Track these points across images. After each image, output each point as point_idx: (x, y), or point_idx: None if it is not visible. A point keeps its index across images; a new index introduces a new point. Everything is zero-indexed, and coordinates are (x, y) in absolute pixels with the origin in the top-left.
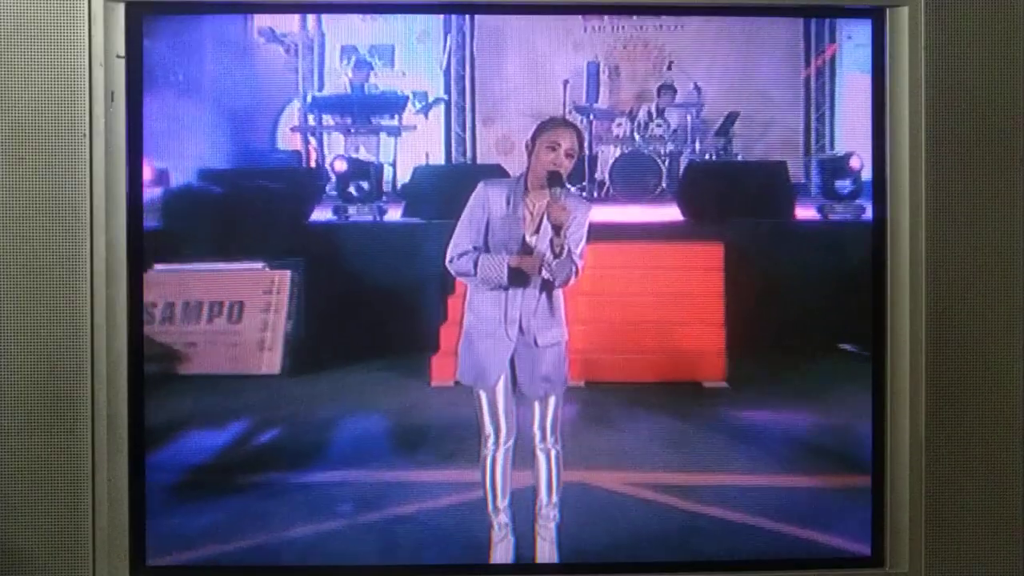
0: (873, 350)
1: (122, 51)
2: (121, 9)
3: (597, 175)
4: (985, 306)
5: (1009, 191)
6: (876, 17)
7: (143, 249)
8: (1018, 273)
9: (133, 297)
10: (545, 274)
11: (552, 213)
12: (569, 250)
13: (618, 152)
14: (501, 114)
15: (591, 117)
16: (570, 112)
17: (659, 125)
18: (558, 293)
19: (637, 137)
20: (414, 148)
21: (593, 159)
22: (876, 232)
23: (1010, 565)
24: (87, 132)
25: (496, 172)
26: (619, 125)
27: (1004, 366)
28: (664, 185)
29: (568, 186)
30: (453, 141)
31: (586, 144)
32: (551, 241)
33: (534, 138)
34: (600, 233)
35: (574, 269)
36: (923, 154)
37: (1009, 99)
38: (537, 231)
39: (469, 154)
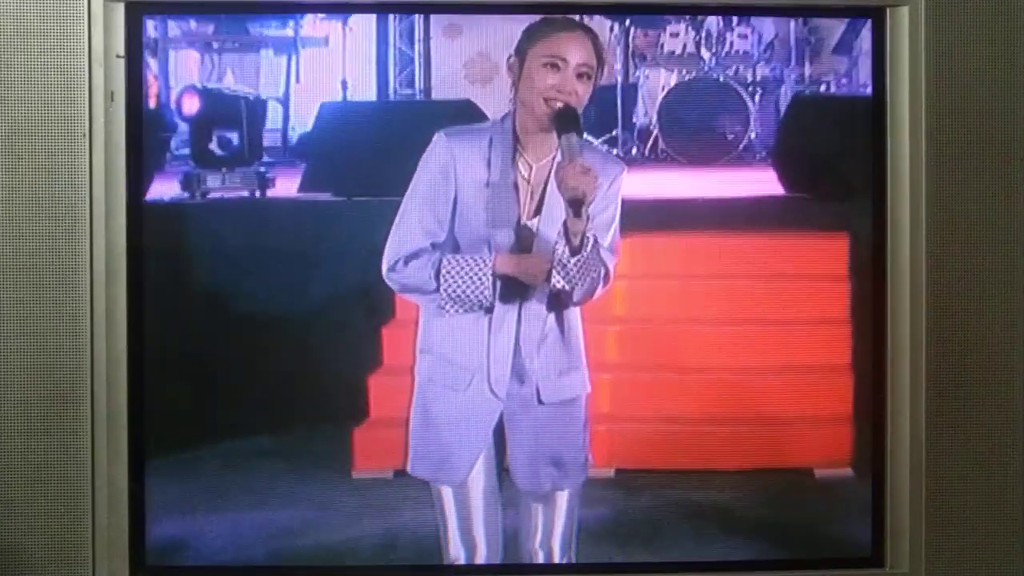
0: (873, 350)
1: (122, 51)
2: (121, 9)
3: (638, 117)
4: (985, 306)
5: (1009, 191)
6: (876, 17)
7: (143, 249)
8: (1019, 273)
9: (133, 297)
10: (557, 281)
11: (566, 179)
12: (595, 241)
13: (674, 79)
14: (474, 17)
15: (626, 22)
16: (588, 13)
17: (742, 35)
18: (575, 315)
19: (706, 54)
20: (322, 74)
21: (630, 90)
22: (876, 232)
23: (1010, 565)
24: (87, 132)
25: (465, 113)
26: (675, 35)
27: (1004, 366)
28: (753, 136)
29: (588, 137)
30: (392, 61)
31: (613, 59)
32: (565, 226)
33: (522, 50)
34: (642, 217)
35: (603, 273)
36: (923, 154)
37: (1009, 99)
38: (539, 211)
39: (420, 83)
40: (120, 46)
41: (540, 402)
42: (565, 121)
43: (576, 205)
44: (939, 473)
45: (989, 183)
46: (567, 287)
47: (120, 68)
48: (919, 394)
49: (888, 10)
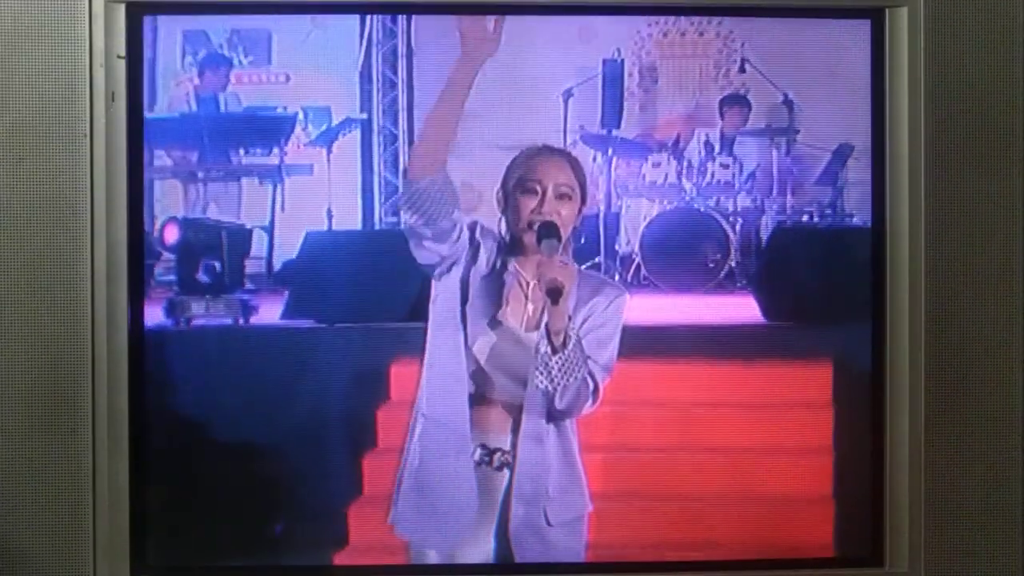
0: (873, 350)
1: (122, 51)
2: (121, 9)
3: (620, 245)
4: (985, 306)
5: (1009, 191)
6: (876, 17)
7: (143, 249)
8: (1018, 273)
9: (133, 297)
10: (540, 381)
11: (545, 271)
12: (578, 341)
13: (655, 209)
14: (461, 147)
15: (609, 151)
16: (573, 144)
17: (724, 164)
18: (569, 429)
19: (687, 184)
20: (306, 202)
21: (612, 219)
22: (876, 232)
23: (1009, 565)
24: (87, 132)
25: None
26: (657, 164)
27: (1004, 366)
28: (733, 264)
29: (569, 261)
30: (377, 190)
31: (595, 189)
32: (546, 327)
33: (505, 182)
34: (625, 342)
35: (592, 388)
36: (923, 154)
37: (1009, 99)
38: (532, 315)
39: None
40: (121, 47)
41: (548, 523)
42: (544, 232)
43: (554, 295)
44: (939, 473)
45: (989, 183)
46: (549, 387)
47: (121, 69)
48: (919, 394)
49: (887, 11)
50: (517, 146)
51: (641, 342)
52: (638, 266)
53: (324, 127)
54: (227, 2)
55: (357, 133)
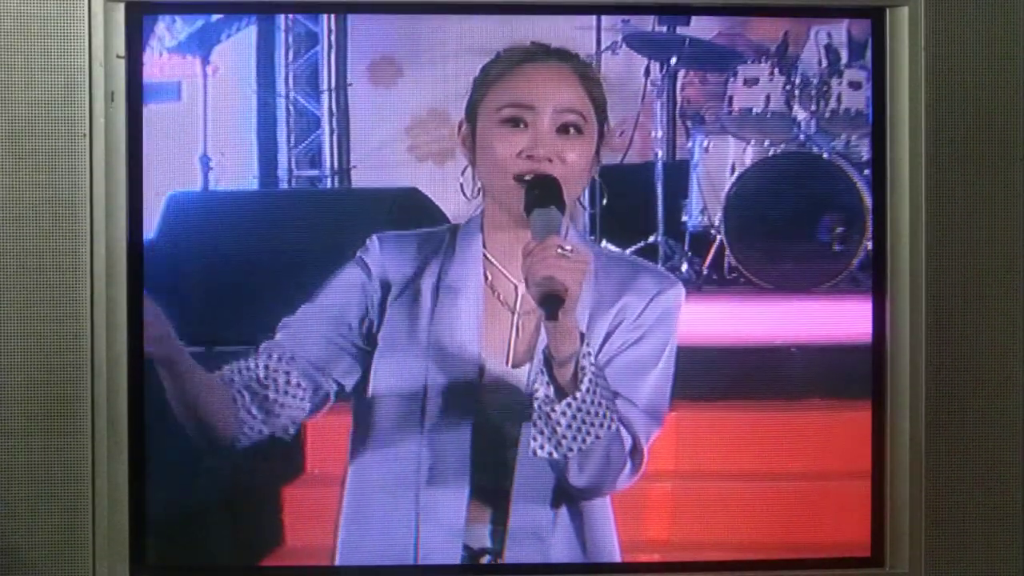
0: (873, 350)
1: (122, 51)
2: (121, 9)
3: (691, 215)
4: (985, 306)
5: (1010, 191)
6: (876, 17)
7: (143, 249)
8: (1019, 273)
9: (133, 297)
10: (539, 445)
11: (534, 266)
12: (598, 373)
13: (749, 155)
14: (423, 50)
15: (672, 60)
16: (613, 46)
17: (855, 83)
18: (597, 513)
19: (801, 113)
20: (170, 145)
21: (677, 170)
22: (876, 232)
23: (1010, 565)
24: (87, 132)
25: (409, 207)
26: (752, 82)
27: (1004, 366)
28: (871, 246)
29: (608, 244)
30: (284, 123)
31: (652, 121)
32: (545, 354)
33: (472, 106)
34: (695, 376)
35: (625, 443)
36: (923, 154)
37: (1009, 99)
38: (522, 339)
39: (332, 159)
40: (120, 46)
41: None
42: (539, 193)
43: (551, 305)
44: (939, 473)
45: (989, 183)
46: (554, 453)
47: (120, 68)
48: (919, 394)
49: (888, 10)
50: (492, 49)
51: (718, 373)
52: (720, 249)
53: (199, 23)
54: (227, 1)
55: (252, 31)
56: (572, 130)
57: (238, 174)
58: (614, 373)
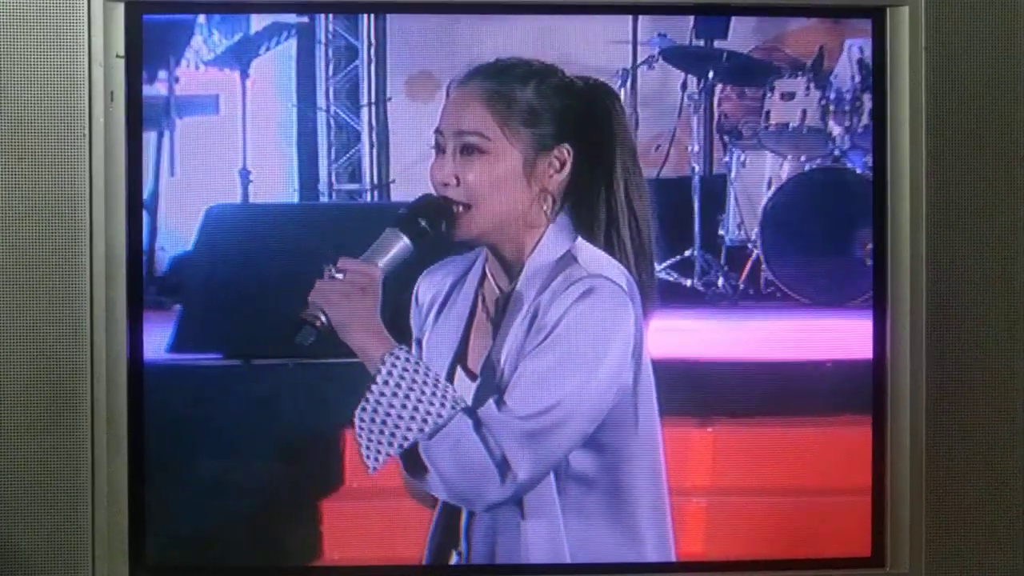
0: (873, 349)
1: (122, 51)
2: (121, 9)
3: (728, 229)
4: (985, 306)
5: (1010, 191)
6: (876, 17)
7: (142, 248)
8: (1019, 273)
9: (133, 297)
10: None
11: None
12: (400, 376)
13: (785, 169)
14: (456, 66)
15: (710, 75)
16: (649, 61)
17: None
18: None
19: (836, 128)
20: (208, 157)
21: (714, 185)
22: (876, 232)
23: (1010, 565)
24: (87, 132)
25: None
26: (788, 96)
27: (1005, 365)
28: None
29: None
30: (324, 137)
31: (689, 136)
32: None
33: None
34: (726, 392)
35: (482, 447)
36: (923, 154)
37: (1009, 99)
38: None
39: (372, 174)
40: (120, 46)
41: None
42: (404, 215)
43: (299, 330)
44: (939, 473)
45: (989, 183)
46: (369, 461)
47: (120, 68)
48: (919, 394)
49: (888, 10)
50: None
51: (752, 389)
52: (757, 264)
53: (237, 36)
54: (227, 1)
55: (292, 44)
56: (473, 151)
57: (278, 187)
58: (517, 377)
